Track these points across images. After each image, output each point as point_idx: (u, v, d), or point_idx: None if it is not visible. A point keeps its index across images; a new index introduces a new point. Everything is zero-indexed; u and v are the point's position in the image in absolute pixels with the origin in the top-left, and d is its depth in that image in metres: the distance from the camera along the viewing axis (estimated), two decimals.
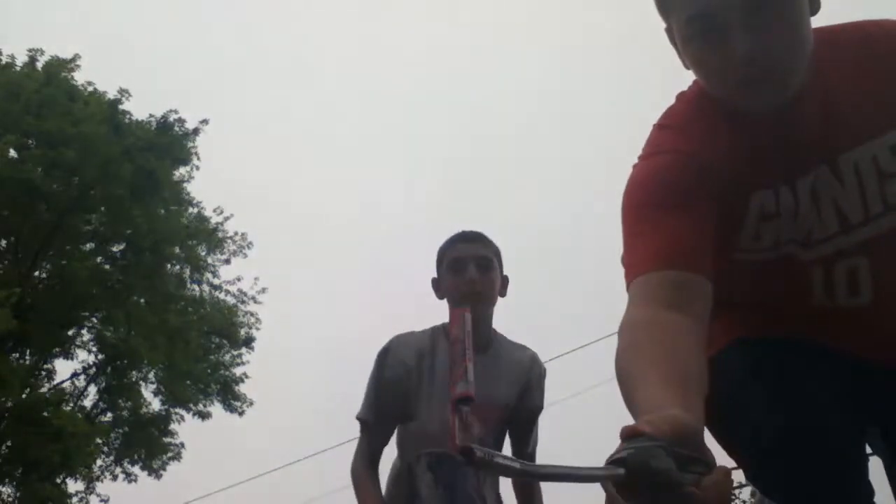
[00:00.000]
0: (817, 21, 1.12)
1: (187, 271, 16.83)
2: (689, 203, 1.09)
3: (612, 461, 0.73)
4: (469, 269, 2.21)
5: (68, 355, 15.68)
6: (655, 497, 0.72)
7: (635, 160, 1.20)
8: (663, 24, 1.16)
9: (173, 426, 16.07)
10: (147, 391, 16.34)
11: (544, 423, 2.38)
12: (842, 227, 1.15)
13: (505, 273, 2.30)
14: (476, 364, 2.10)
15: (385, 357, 2.21)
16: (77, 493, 14.89)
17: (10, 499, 13.80)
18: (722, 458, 0.81)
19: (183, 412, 16.19)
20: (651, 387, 0.86)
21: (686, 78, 1.20)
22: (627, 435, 0.75)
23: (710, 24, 1.06)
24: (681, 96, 1.23)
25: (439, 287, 2.30)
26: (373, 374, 2.22)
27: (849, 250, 1.16)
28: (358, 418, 2.24)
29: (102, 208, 15.58)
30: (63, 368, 16.27)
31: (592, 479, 0.73)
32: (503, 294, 2.29)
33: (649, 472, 0.71)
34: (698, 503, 0.73)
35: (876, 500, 1.13)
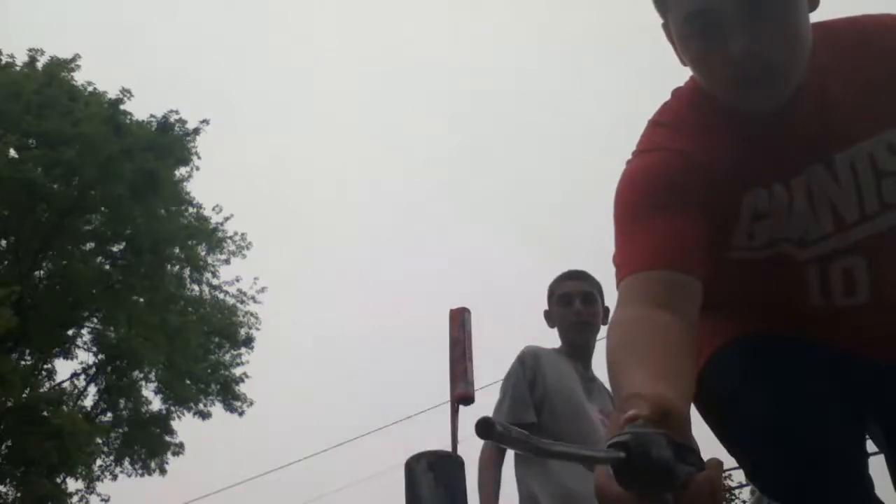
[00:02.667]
0: (815, 17, 1.12)
1: (187, 271, 16.85)
2: (682, 202, 1.08)
3: (613, 444, 0.73)
4: (575, 302, 2.65)
5: (68, 355, 15.71)
6: (651, 484, 0.72)
7: (629, 156, 1.19)
8: (660, 20, 1.16)
9: (174, 423, 16.13)
10: (147, 390, 16.38)
11: None
12: (837, 227, 1.14)
13: (606, 305, 2.71)
14: (591, 383, 2.61)
15: (533, 362, 2.57)
16: (77, 491, 14.93)
17: (10, 498, 13.81)
18: (709, 451, 0.81)
19: (184, 410, 16.23)
20: (639, 383, 0.86)
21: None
22: (628, 419, 0.75)
23: (708, 22, 1.05)
24: (676, 93, 1.22)
25: (550, 318, 2.74)
26: (517, 374, 2.58)
27: (844, 250, 1.16)
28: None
29: (102, 208, 15.60)
30: (63, 368, 16.31)
31: (594, 459, 0.74)
32: (605, 322, 2.71)
33: (649, 460, 0.71)
34: (690, 496, 0.74)
35: (876, 494, 1.13)
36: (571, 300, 2.66)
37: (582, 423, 2.48)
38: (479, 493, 2.46)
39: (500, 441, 0.67)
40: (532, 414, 2.50)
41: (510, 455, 2.54)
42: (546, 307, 2.78)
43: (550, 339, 2.78)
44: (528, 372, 2.56)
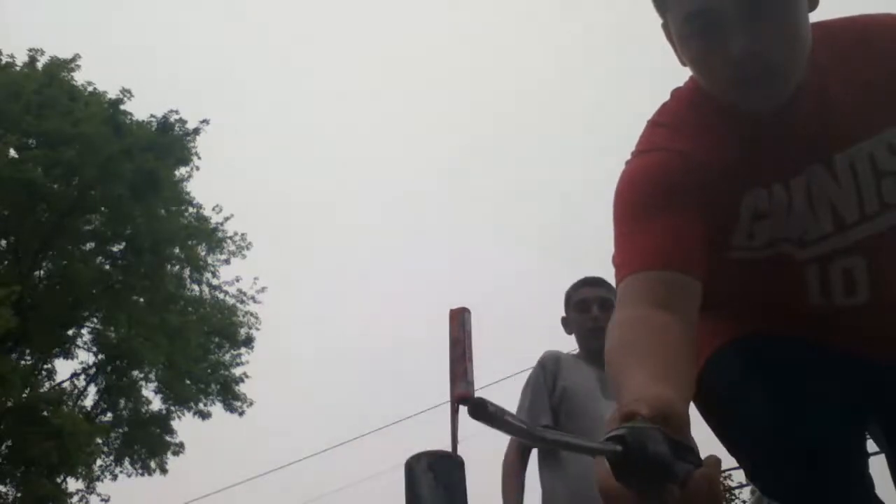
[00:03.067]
0: (815, 17, 1.12)
1: (187, 271, 16.86)
2: (682, 202, 1.08)
3: (610, 438, 0.73)
4: (592, 308, 2.70)
5: (68, 355, 15.73)
6: (649, 480, 0.72)
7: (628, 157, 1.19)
8: (660, 20, 1.16)
9: (174, 423, 16.15)
10: (147, 390, 16.40)
11: None
12: (837, 227, 1.14)
13: None
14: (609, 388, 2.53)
15: (554, 366, 2.64)
16: (77, 491, 14.94)
17: (10, 498, 13.81)
18: (709, 451, 0.81)
19: (184, 410, 16.24)
20: (639, 383, 0.86)
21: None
22: (625, 416, 0.75)
23: (708, 22, 1.05)
24: (676, 93, 1.22)
25: (567, 324, 2.78)
26: (538, 378, 2.64)
27: (844, 250, 1.16)
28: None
29: (102, 208, 15.61)
30: (63, 368, 16.33)
31: (590, 451, 0.74)
32: None
33: (646, 455, 0.71)
34: (689, 494, 0.73)
35: (876, 493, 1.13)
36: (589, 306, 2.72)
37: (598, 426, 2.50)
38: (502, 500, 2.52)
39: (492, 423, 0.67)
40: (548, 416, 2.55)
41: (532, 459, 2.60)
42: (563, 313, 2.83)
43: (550, 337, 2.81)
44: (548, 376, 2.63)
